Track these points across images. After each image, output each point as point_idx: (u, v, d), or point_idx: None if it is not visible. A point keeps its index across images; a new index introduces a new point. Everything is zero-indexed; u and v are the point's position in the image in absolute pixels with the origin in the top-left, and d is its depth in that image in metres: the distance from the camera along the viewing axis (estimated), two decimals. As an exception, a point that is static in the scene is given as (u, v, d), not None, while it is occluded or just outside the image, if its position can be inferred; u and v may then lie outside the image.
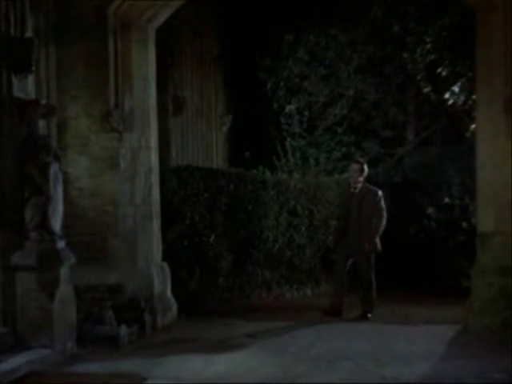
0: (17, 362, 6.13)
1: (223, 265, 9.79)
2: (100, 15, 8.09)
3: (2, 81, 6.53)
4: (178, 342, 7.55)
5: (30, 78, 6.83)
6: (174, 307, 8.69)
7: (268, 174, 10.96)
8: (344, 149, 13.11)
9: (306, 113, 13.07)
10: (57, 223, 6.74)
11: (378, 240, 9.14)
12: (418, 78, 13.01)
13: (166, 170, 9.27)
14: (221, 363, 6.57)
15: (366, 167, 9.44)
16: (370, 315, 8.92)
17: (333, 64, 13.21)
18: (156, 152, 8.63)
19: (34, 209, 6.59)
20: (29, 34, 6.82)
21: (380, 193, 9.36)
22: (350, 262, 9.25)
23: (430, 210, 11.78)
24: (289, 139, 12.81)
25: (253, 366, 6.41)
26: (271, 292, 10.51)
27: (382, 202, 9.30)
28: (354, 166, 9.47)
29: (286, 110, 13.15)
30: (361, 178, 9.32)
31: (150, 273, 8.32)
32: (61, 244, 6.80)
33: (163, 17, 8.68)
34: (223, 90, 13.50)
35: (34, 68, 6.80)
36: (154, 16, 8.51)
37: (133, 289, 8.14)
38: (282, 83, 13.28)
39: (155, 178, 8.56)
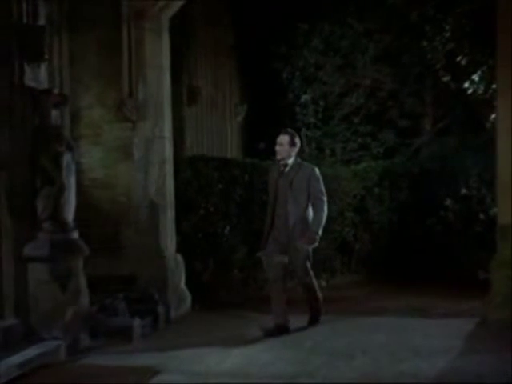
0: (29, 353, 6.09)
1: (237, 256, 9.71)
2: (113, 3, 8.01)
3: (14, 70, 6.46)
4: (191, 334, 7.48)
5: (43, 67, 6.76)
6: (188, 299, 8.62)
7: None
8: (360, 139, 13.02)
9: (322, 103, 12.96)
10: (69, 214, 6.68)
11: (320, 233, 7.35)
12: (437, 67, 12.85)
13: (180, 160, 9.19)
14: (235, 357, 6.48)
15: (297, 140, 7.55)
16: (320, 318, 7.75)
17: (349, 53, 13.07)
18: (170, 142, 8.55)
19: (46, 199, 6.54)
20: (41, 22, 6.75)
21: (317, 171, 7.52)
22: (286, 262, 7.42)
23: (447, 201, 11.63)
24: (304, 129, 12.71)
25: (268, 360, 6.32)
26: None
27: (321, 183, 7.46)
28: (282, 138, 7.43)
29: (302, 100, 13.05)
30: (292, 153, 7.44)
31: (163, 264, 8.25)
32: (73, 235, 6.75)
33: (177, 5, 8.59)
34: (238, 79, 13.43)
35: (46, 57, 6.75)
36: (167, 4, 8.43)
37: (146, 280, 8.08)
38: (297, 73, 13.18)
39: (169, 168, 8.48)
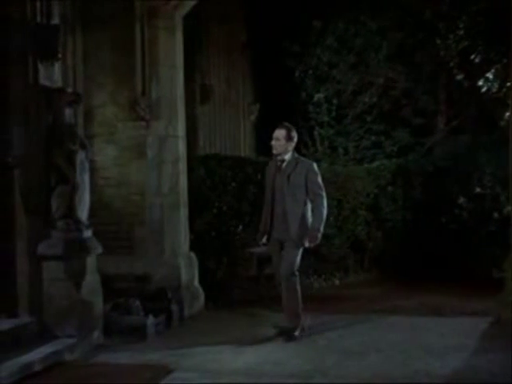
0: (44, 351, 6.13)
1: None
2: (127, 2, 8.03)
3: (28, 68, 6.48)
4: (205, 332, 7.48)
5: (57, 66, 6.76)
6: (202, 297, 8.62)
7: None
8: (373, 137, 12.97)
9: (335, 101, 12.92)
10: (83, 212, 6.69)
11: (321, 230, 7.05)
12: (451, 65, 12.80)
13: (194, 159, 9.19)
14: (249, 355, 6.49)
15: (295, 133, 7.25)
16: (297, 333, 7.00)
17: (362, 51, 13.04)
18: (183, 141, 8.55)
19: (60, 198, 6.56)
20: (55, 21, 6.75)
21: (315, 165, 7.24)
22: None
23: (461, 200, 11.58)
24: (317, 128, 12.70)
25: (281, 358, 6.33)
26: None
27: (319, 178, 7.15)
28: (278, 132, 7.14)
29: (315, 99, 13.02)
30: (289, 148, 7.14)
31: (177, 263, 8.26)
32: (87, 233, 6.76)
33: (190, 4, 8.59)
34: (251, 78, 13.43)
35: (60, 55, 6.75)
36: (180, 3, 8.42)
37: (160, 279, 8.09)
38: (310, 71, 13.16)
39: (182, 166, 8.48)
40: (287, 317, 7.14)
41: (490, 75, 12.99)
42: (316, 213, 7.06)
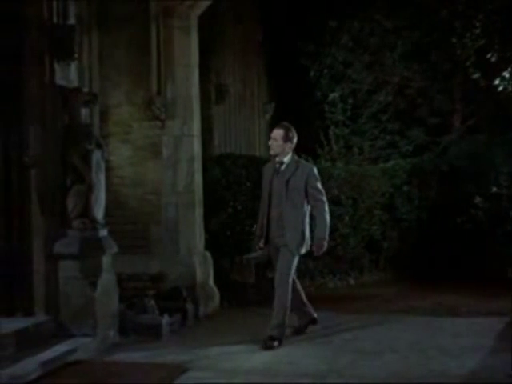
0: (59, 349, 6.16)
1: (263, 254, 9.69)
2: (142, 2, 8.05)
3: (44, 68, 6.51)
4: (220, 331, 7.49)
5: (73, 66, 6.80)
6: (217, 297, 8.63)
7: (311, 162, 10.81)
8: (388, 137, 12.94)
9: (350, 100, 12.90)
10: (99, 211, 6.72)
11: (327, 238, 6.85)
12: (467, 63, 12.73)
13: (209, 159, 9.20)
14: (264, 354, 6.49)
15: (294, 134, 6.93)
16: (276, 343, 6.64)
17: (377, 51, 13.00)
18: (198, 140, 8.57)
19: (76, 197, 6.58)
20: (71, 21, 6.79)
21: (316, 170, 6.94)
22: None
23: (477, 200, 11.52)
24: (332, 127, 12.68)
25: (296, 358, 6.32)
26: (314, 282, 10.40)
27: (320, 183, 6.89)
28: (275, 132, 6.90)
29: (330, 98, 13.01)
30: (287, 149, 6.86)
31: (192, 262, 8.28)
32: (103, 232, 6.79)
33: (205, 4, 8.60)
34: (266, 77, 13.43)
35: (76, 55, 6.78)
36: (196, 3, 8.43)
37: (175, 278, 8.12)
38: (325, 70, 13.15)
39: (198, 166, 8.50)
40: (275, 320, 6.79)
41: (506, 74, 12.90)
42: (320, 220, 6.79)
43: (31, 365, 5.70)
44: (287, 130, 6.90)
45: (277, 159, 6.91)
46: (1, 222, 6.54)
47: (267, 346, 6.61)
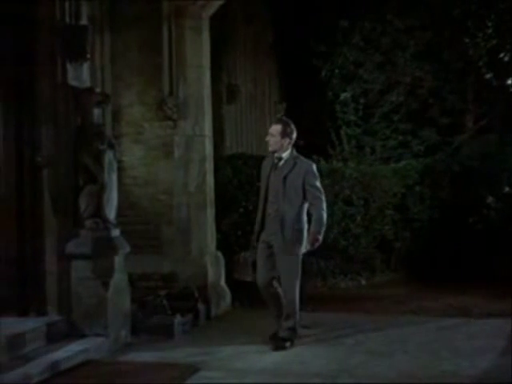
0: (73, 349, 6.19)
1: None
2: (154, 2, 8.06)
3: (57, 69, 6.54)
4: (231, 331, 7.48)
5: (85, 66, 6.83)
6: (228, 297, 8.64)
7: (323, 162, 10.82)
8: (400, 137, 12.90)
9: (362, 100, 12.88)
10: (111, 211, 6.74)
11: (322, 234, 6.58)
12: (479, 63, 12.69)
13: (220, 159, 9.21)
14: (275, 354, 6.48)
15: (292, 129, 6.70)
16: (288, 344, 6.63)
17: (389, 50, 12.98)
18: (210, 140, 8.58)
19: (88, 197, 6.60)
20: (84, 21, 6.81)
21: (315, 167, 6.74)
22: (273, 266, 6.72)
23: (490, 200, 11.49)
24: (344, 127, 12.66)
25: (308, 358, 6.32)
26: (326, 282, 10.40)
27: (319, 180, 6.68)
28: (273, 128, 6.70)
29: (341, 98, 12.98)
30: (285, 145, 6.64)
31: (203, 262, 8.29)
32: (115, 232, 6.80)
33: (217, 3, 8.60)
34: (277, 77, 13.43)
35: (88, 56, 6.80)
36: (208, 3, 8.44)
37: (186, 278, 8.12)
38: (336, 70, 13.13)
39: (209, 166, 8.51)
40: (283, 322, 6.72)
41: (519, 74, 12.89)
42: (315, 216, 6.56)
43: (44, 364, 5.73)
44: (285, 125, 6.69)
45: (276, 155, 6.69)
46: (13, 222, 6.58)
47: (278, 347, 6.59)
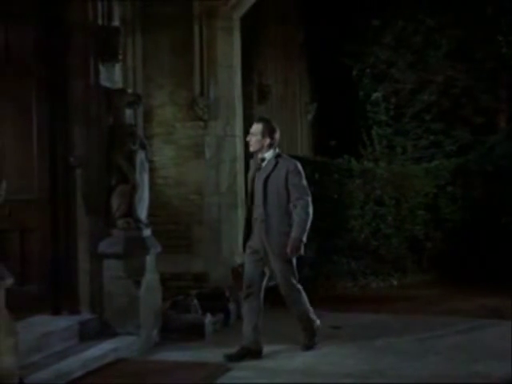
0: (104, 348, 6.23)
1: (307, 254, 9.65)
2: (185, 2, 8.11)
3: (89, 70, 6.60)
4: (262, 331, 7.47)
5: (117, 67, 6.88)
6: (259, 297, 8.62)
7: (354, 162, 10.79)
8: (432, 137, 12.82)
9: (393, 100, 12.81)
10: (143, 211, 6.78)
11: (304, 239, 6.19)
12: (513, 62, 12.57)
13: (251, 159, 9.20)
14: (305, 355, 6.47)
15: (274, 128, 6.34)
16: (314, 341, 6.60)
17: (421, 49, 12.90)
18: (241, 140, 8.60)
19: (120, 197, 6.65)
20: (116, 22, 6.86)
21: (299, 166, 6.32)
22: (266, 274, 6.43)
23: (523, 200, 11.37)
24: (375, 127, 12.61)
25: (338, 359, 6.30)
26: (356, 282, 10.36)
27: (303, 180, 6.29)
28: (253, 127, 6.33)
29: (372, 98, 12.94)
30: (266, 145, 6.27)
31: (234, 262, 8.30)
32: (147, 232, 6.84)
33: (248, 4, 8.64)
34: (308, 77, 13.41)
35: (120, 57, 6.85)
36: (238, 3, 8.47)
37: (217, 277, 8.15)
38: (367, 70, 13.07)
39: (240, 166, 8.53)
40: (244, 337, 6.45)
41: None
42: (296, 219, 6.14)
43: (77, 363, 5.77)
44: (266, 124, 6.33)
45: (259, 156, 6.34)
46: (47, 222, 6.65)
47: (308, 347, 6.56)
